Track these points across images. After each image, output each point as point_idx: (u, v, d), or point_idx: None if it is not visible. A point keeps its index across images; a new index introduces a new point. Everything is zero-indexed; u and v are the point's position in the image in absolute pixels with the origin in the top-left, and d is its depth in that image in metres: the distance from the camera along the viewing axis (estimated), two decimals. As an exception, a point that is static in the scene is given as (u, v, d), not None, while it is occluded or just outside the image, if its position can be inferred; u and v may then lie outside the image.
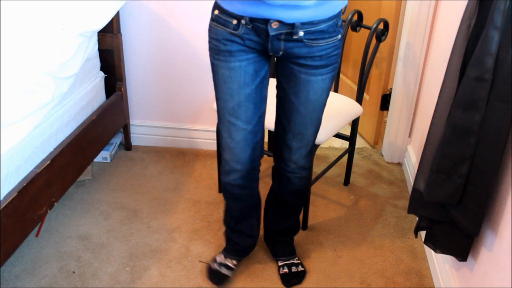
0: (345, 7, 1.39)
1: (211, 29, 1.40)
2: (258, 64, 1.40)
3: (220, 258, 1.74)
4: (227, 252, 1.75)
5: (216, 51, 1.39)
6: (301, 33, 1.30)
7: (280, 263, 1.76)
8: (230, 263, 1.72)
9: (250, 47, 1.36)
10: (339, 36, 1.38)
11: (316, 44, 1.33)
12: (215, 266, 1.72)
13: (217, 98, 1.48)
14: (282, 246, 1.79)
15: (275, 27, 1.29)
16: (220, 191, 2.20)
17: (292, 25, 1.28)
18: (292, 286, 1.71)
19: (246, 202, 1.65)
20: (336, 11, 1.33)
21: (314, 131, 1.54)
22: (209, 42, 1.42)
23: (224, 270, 1.71)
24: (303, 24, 1.28)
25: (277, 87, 1.50)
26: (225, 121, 1.47)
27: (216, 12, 1.36)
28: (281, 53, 1.35)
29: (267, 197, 1.77)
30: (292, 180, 1.62)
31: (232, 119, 1.45)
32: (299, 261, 1.77)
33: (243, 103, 1.42)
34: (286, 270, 1.73)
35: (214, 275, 1.71)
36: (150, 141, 2.58)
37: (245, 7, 1.28)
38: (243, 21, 1.31)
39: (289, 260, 1.76)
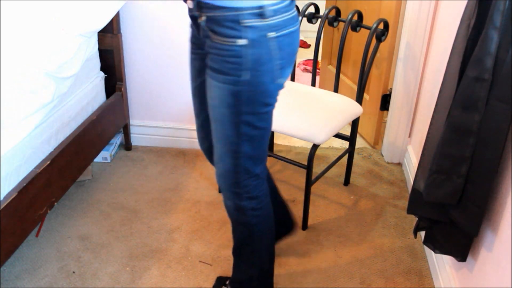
0: (261, 8, 1.09)
1: None
2: (202, 60, 1.29)
3: None
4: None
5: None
6: (203, 18, 1.14)
7: None
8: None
9: (194, 42, 1.31)
10: (240, 40, 1.10)
11: (215, 40, 1.15)
12: None
13: None
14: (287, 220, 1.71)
15: (191, 7, 1.18)
16: (220, 191, 2.20)
17: (199, 6, 1.14)
18: None
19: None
20: (236, 3, 1.08)
21: (223, 152, 1.28)
22: None
23: None
24: (203, 6, 1.13)
25: None
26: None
27: None
28: (205, 47, 1.21)
29: None
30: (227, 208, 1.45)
31: (193, 100, 1.45)
32: None
33: (193, 92, 1.41)
34: None
35: None
36: (150, 141, 2.58)
37: None
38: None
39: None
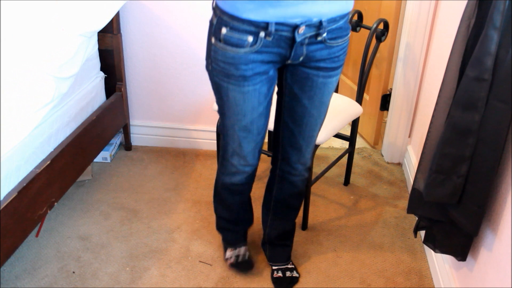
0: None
1: (217, 51, 1.27)
2: (271, 80, 1.34)
3: (232, 253, 1.75)
4: (232, 243, 1.77)
5: (226, 75, 1.29)
6: (325, 34, 1.25)
7: (274, 267, 1.74)
8: (243, 250, 1.75)
9: (267, 61, 1.27)
10: (349, 30, 1.34)
11: (336, 44, 1.30)
12: (234, 260, 1.73)
13: (224, 114, 1.41)
14: (280, 251, 1.76)
15: (302, 31, 1.22)
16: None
17: (318, 26, 1.23)
18: None
19: (247, 193, 1.68)
20: (353, 2, 1.28)
21: (317, 132, 1.53)
22: (214, 63, 1.30)
23: (245, 257, 1.74)
24: (328, 22, 1.24)
25: (284, 93, 1.43)
26: (234, 135, 1.43)
27: (225, 31, 1.22)
28: (301, 58, 1.29)
29: (264, 203, 1.74)
30: (296, 183, 1.61)
31: (244, 134, 1.42)
32: (293, 266, 1.76)
33: (255, 120, 1.39)
34: (280, 274, 1.72)
35: (241, 266, 1.73)
36: (150, 141, 2.58)
37: (278, 10, 1.16)
38: (262, 34, 1.20)
39: (284, 265, 1.74)
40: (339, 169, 2.38)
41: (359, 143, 2.66)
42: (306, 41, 1.25)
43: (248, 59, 1.24)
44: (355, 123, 2.15)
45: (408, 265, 1.82)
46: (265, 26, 1.19)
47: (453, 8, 1.81)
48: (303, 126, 1.45)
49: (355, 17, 2.09)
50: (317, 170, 2.35)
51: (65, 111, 1.89)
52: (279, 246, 1.76)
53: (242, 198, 1.67)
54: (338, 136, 2.25)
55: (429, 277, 1.76)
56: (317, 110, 1.42)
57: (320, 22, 1.22)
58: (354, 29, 2.11)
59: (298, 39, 1.23)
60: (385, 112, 2.57)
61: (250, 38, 1.21)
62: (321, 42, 1.27)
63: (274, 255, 1.76)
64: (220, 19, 1.23)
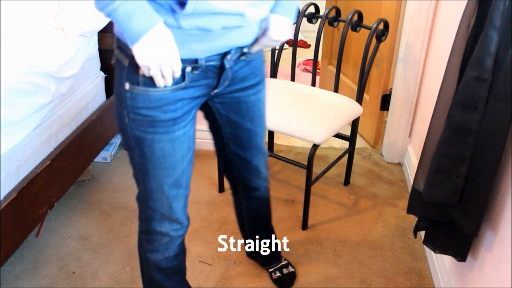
0: None
1: (136, 97, 1.04)
2: (195, 119, 1.18)
3: None
4: None
5: (151, 123, 1.07)
6: (246, 50, 1.15)
7: (271, 270, 1.74)
8: None
9: (195, 96, 1.12)
10: None
11: (255, 56, 1.20)
12: None
13: (147, 175, 1.16)
14: (271, 253, 1.72)
15: (230, 57, 1.10)
16: (220, 191, 2.20)
17: (243, 47, 1.13)
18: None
19: (184, 271, 1.46)
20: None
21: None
22: (133, 113, 1.07)
23: None
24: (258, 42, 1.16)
25: (221, 126, 1.31)
26: (162, 197, 1.20)
27: (142, 71, 1.01)
28: (227, 83, 1.16)
29: (240, 226, 1.71)
30: (262, 195, 1.55)
31: (174, 192, 1.21)
32: (286, 261, 1.77)
33: (185, 170, 1.20)
34: (278, 274, 1.72)
35: None
36: (150, 141, 2.57)
37: (205, 44, 1.03)
38: (189, 69, 1.05)
39: (278, 264, 1.75)
40: (339, 169, 2.38)
41: (359, 143, 2.66)
42: (232, 64, 1.14)
43: (175, 97, 1.07)
44: (355, 123, 2.15)
45: (408, 265, 1.82)
46: (193, 61, 1.05)
47: (453, 8, 1.81)
48: (253, 148, 1.36)
49: (355, 17, 2.09)
50: (317, 170, 2.35)
51: (65, 111, 1.89)
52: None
53: (181, 277, 1.45)
54: (338, 136, 2.25)
55: (429, 277, 1.76)
56: (260, 127, 1.34)
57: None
58: (354, 29, 2.11)
59: (227, 65, 1.11)
60: (385, 112, 2.57)
61: None
62: (242, 59, 1.16)
63: (266, 259, 1.75)
64: (134, 58, 0.99)
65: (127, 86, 1.05)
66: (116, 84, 1.10)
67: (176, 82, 1.05)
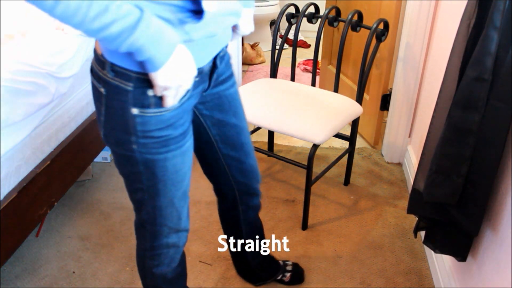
0: None
1: (148, 121, 0.98)
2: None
3: None
4: None
5: (163, 143, 1.02)
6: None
7: (278, 278, 1.70)
8: None
9: (194, 104, 1.12)
10: None
11: (226, 50, 1.19)
12: None
13: (157, 194, 1.11)
14: (269, 263, 1.68)
15: (221, 54, 1.12)
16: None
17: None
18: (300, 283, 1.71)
19: (185, 277, 1.43)
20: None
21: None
22: (143, 138, 1.00)
23: None
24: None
25: (208, 128, 1.25)
26: (173, 211, 1.17)
27: (152, 93, 0.95)
28: (213, 82, 1.15)
29: (229, 232, 1.59)
30: (259, 204, 1.49)
31: (182, 202, 1.18)
32: (283, 261, 1.73)
33: (190, 176, 1.20)
34: (288, 275, 1.70)
35: None
36: (150, 141, 2.56)
37: (211, 49, 1.04)
38: (196, 79, 1.06)
39: (281, 272, 1.70)
40: (339, 169, 2.38)
41: (359, 143, 2.66)
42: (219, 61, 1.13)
43: (183, 110, 1.04)
44: (355, 123, 2.15)
45: (408, 265, 1.82)
46: (200, 70, 1.04)
47: (453, 8, 1.81)
48: (243, 146, 1.30)
49: (355, 17, 2.09)
50: (317, 170, 2.35)
51: (65, 111, 1.89)
52: (264, 258, 1.67)
53: (184, 279, 1.43)
54: (338, 136, 2.25)
55: (429, 277, 1.76)
56: (244, 121, 1.29)
57: None
58: (354, 29, 2.11)
59: (219, 64, 1.12)
60: (385, 112, 2.57)
61: None
62: (222, 55, 1.14)
63: (266, 272, 1.69)
64: (140, 80, 0.94)
65: (135, 111, 0.96)
66: (107, 114, 0.99)
67: (184, 96, 1.03)
